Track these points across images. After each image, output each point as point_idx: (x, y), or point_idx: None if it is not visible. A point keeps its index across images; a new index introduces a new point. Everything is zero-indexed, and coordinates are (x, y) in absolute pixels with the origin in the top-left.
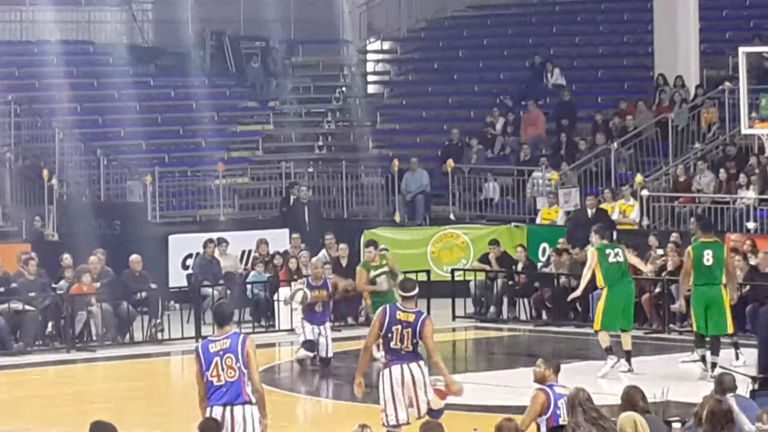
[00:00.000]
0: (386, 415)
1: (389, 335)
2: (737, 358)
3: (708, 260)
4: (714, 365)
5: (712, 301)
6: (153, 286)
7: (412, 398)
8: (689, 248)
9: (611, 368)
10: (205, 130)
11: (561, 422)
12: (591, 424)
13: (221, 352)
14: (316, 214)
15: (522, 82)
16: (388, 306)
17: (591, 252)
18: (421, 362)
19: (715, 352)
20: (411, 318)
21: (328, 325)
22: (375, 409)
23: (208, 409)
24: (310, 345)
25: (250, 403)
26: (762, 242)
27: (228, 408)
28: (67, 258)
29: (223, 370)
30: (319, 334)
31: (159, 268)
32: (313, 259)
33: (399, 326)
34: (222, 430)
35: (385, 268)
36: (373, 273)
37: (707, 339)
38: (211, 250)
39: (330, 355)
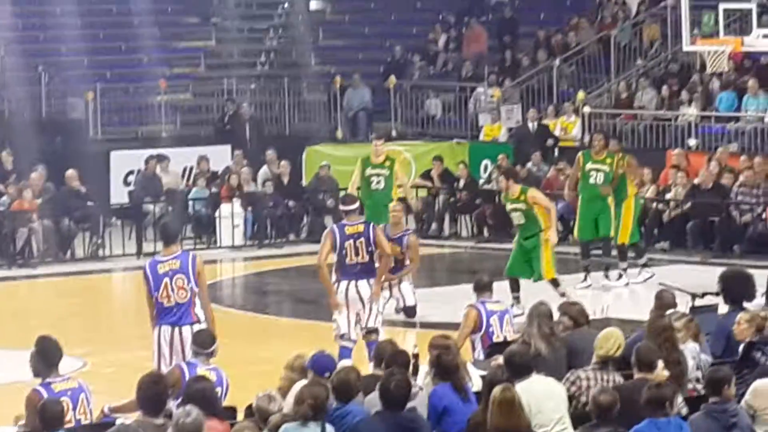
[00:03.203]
0: (336, 326)
1: (343, 253)
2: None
3: None
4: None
5: None
6: (89, 203)
7: (360, 312)
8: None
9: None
10: (147, 46)
11: (495, 339)
12: (542, 338)
13: (170, 273)
14: (258, 131)
15: None
16: (334, 226)
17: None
18: (371, 280)
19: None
20: (361, 228)
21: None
22: (315, 325)
23: (157, 328)
24: (412, 311)
25: (198, 322)
26: (698, 159)
27: (176, 328)
28: (5, 154)
29: (173, 291)
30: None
31: (100, 184)
32: (392, 205)
33: (351, 240)
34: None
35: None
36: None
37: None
38: (153, 167)
39: (413, 303)
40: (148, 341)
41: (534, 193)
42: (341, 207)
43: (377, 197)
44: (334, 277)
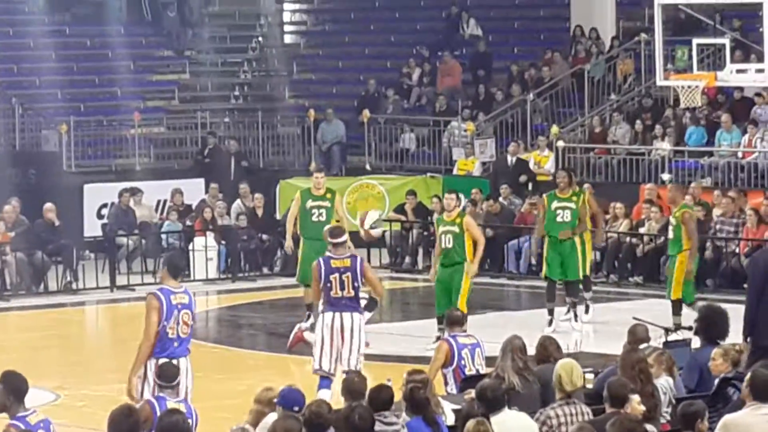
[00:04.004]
0: (313, 359)
1: (328, 285)
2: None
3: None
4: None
5: None
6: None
7: (339, 349)
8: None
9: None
10: (121, 79)
11: (467, 372)
12: (516, 372)
13: (180, 306)
14: (242, 165)
15: (438, 32)
16: (320, 258)
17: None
18: (356, 314)
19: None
20: (347, 262)
21: None
22: (289, 359)
23: (153, 360)
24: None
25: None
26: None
27: (175, 361)
28: None
29: (178, 324)
30: None
31: (74, 217)
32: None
33: (336, 273)
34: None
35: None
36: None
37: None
38: (126, 200)
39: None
40: (121, 374)
41: (469, 220)
42: (329, 239)
43: (319, 230)
44: (321, 307)
